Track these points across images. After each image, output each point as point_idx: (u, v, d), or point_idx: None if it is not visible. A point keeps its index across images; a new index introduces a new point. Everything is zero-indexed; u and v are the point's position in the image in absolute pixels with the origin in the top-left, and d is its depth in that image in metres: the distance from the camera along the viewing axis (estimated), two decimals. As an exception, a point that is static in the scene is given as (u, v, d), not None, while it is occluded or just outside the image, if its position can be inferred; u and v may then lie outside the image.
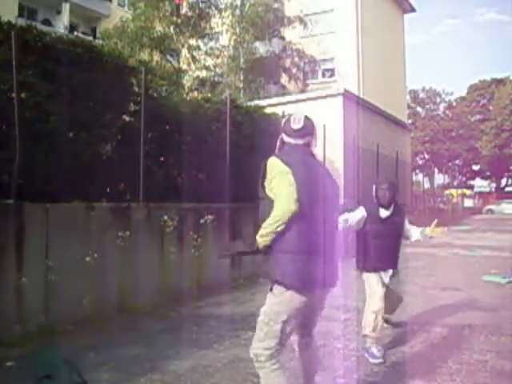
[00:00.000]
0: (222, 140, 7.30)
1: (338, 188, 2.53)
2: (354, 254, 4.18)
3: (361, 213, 4.03)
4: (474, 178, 52.95)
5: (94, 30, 25.50)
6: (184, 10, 19.79)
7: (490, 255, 10.58)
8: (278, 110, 10.42)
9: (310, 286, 2.22)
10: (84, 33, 23.19)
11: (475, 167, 51.62)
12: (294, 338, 2.49)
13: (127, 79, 6.14)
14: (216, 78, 20.10)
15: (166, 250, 5.80)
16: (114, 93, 5.65)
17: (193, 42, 19.42)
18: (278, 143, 2.48)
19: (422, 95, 55.80)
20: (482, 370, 3.48)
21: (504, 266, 8.51)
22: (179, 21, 19.20)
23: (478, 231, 18.11)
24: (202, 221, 6.39)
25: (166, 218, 5.82)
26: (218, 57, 19.99)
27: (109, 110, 5.72)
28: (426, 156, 53.12)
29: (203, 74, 19.57)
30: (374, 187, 4.11)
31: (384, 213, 4.02)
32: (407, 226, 4.20)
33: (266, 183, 2.28)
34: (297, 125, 2.41)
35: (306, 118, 2.45)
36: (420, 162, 52.16)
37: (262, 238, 2.23)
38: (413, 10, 27.82)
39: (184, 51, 19.42)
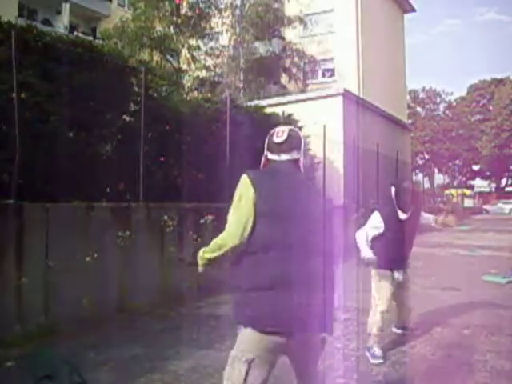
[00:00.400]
0: (222, 140, 7.30)
1: (330, 210, 2.17)
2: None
3: (377, 223, 3.90)
4: (474, 178, 52.97)
5: (94, 30, 25.47)
6: (184, 10, 19.78)
7: (490, 255, 10.58)
8: (278, 110, 10.43)
9: (277, 326, 1.82)
10: (84, 33, 23.16)
11: (475, 167, 51.63)
12: None
13: (127, 79, 6.14)
14: (216, 78, 20.09)
15: (166, 250, 5.79)
16: (114, 93, 5.66)
17: (193, 42, 19.41)
18: (262, 161, 2.15)
19: (422, 95, 55.83)
20: (482, 370, 3.48)
21: (504, 266, 8.51)
22: (179, 21, 19.19)
23: (478, 231, 18.12)
24: (202, 221, 6.39)
25: (165, 217, 5.82)
26: (217, 57, 19.98)
27: (109, 109, 5.73)
28: (426, 156, 53.13)
29: (203, 73, 19.56)
30: (392, 188, 3.95)
31: (403, 215, 3.87)
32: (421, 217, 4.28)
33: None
34: (280, 137, 2.07)
35: (292, 130, 2.13)
36: (420, 162, 52.18)
37: (201, 260, 2.05)
38: (413, 10, 27.82)
39: (184, 51, 19.41)
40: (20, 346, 3.84)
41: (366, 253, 3.83)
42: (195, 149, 6.90)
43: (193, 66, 19.38)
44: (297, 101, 13.52)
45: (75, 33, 20.58)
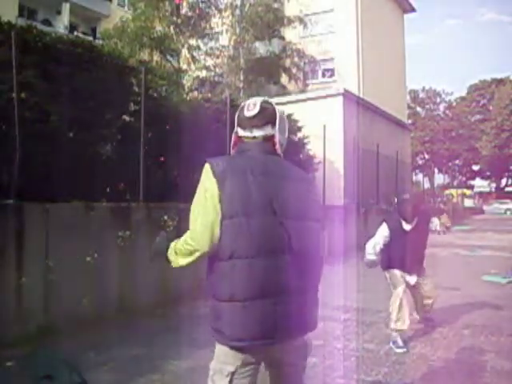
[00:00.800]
0: (222, 140, 7.29)
1: (316, 201, 1.91)
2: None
3: (384, 234, 4.20)
4: (474, 178, 53.03)
5: (94, 30, 25.50)
6: (184, 10, 19.80)
7: (490, 255, 10.58)
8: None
9: (251, 340, 1.61)
10: (84, 33, 23.18)
11: (475, 167, 51.67)
12: None
13: (127, 79, 6.14)
14: (216, 78, 20.11)
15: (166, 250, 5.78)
16: (114, 93, 5.66)
17: (193, 42, 19.44)
18: (233, 138, 1.86)
19: (422, 95, 55.89)
20: (482, 369, 3.48)
21: (504, 266, 8.52)
22: (179, 21, 19.21)
23: (478, 231, 18.12)
24: (201, 221, 6.38)
25: (165, 217, 5.82)
26: (217, 57, 20.00)
27: (109, 109, 5.72)
28: (426, 156, 53.17)
29: (203, 74, 19.58)
30: (395, 199, 4.32)
31: (407, 226, 4.16)
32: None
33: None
34: (251, 111, 1.77)
35: (265, 101, 1.82)
36: (420, 162, 52.22)
37: (174, 264, 1.82)
38: (413, 9, 27.86)
39: (184, 51, 19.43)
40: (20, 346, 3.84)
41: (369, 256, 4.22)
42: (195, 149, 6.90)
43: (193, 66, 19.40)
44: (297, 101, 13.52)
45: (75, 33, 20.58)
